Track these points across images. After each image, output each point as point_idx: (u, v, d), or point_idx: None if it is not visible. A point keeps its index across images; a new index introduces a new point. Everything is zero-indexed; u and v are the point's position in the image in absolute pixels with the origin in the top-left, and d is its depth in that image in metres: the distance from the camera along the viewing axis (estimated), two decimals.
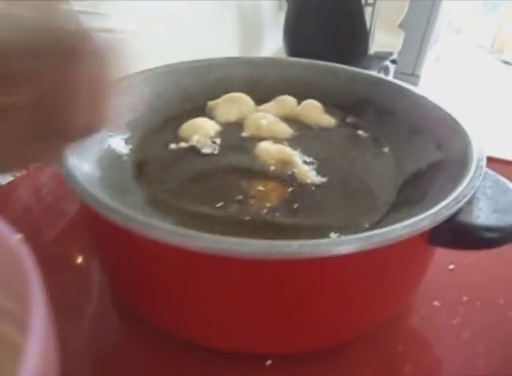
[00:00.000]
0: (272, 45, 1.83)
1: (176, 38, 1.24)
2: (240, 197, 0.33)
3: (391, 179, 0.36)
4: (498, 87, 2.66)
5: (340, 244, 0.21)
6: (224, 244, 0.21)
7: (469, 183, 0.26)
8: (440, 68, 2.76)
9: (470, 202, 0.26)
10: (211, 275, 0.24)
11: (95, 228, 0.31)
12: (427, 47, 2.35)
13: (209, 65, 0.50)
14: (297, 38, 1.59)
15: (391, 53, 1.82)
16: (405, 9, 1.93)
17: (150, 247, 0.24)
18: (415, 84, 2.37)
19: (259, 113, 0.45)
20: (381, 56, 1.78)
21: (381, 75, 0.46)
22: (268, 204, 0.32)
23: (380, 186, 0.35)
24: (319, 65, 0.50)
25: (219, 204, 0.32)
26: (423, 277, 0.31)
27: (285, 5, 1.61)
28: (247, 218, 0.31)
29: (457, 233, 0.25)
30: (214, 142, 0.41)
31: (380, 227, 0.23)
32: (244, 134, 0.42)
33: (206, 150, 0.39)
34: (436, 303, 0.35)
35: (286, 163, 0.37)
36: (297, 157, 0.38)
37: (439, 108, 0.38)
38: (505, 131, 1.86)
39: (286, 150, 0.39)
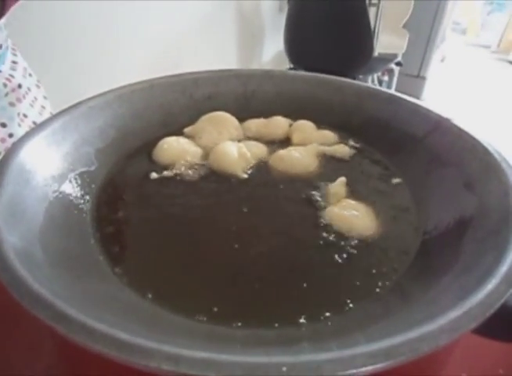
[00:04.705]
0: (273, 47, 1.76)
1: (171, 41, 1.18)
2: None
3: (406, 234, 0.29)
4: (504, 88, 2.59)
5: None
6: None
7: None
8: (445, 69, 2.69)
9: None
10: None
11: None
12: (433, 47, 2.28)
13: (195, 79, 0.43)
14: (299, 40, 1.52)
15: (395, 55, 1.75)
16: (410, 9, 1.86)
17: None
18: (421, 86, 2.30)
19: (229, 144, 0.38)
20: (386, 58, 1.71)
21: (394, 92, 0.39)
22: None
23: (392, 242, 0.29)
24: (321, 78, 0.43)
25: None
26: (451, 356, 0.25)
27: (286, 7, 1.54)
28: None
29: (506, 322, 0.19)
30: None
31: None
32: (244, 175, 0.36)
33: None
34: None
35: None
36: None
37: (467, 134, 0.32)
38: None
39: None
